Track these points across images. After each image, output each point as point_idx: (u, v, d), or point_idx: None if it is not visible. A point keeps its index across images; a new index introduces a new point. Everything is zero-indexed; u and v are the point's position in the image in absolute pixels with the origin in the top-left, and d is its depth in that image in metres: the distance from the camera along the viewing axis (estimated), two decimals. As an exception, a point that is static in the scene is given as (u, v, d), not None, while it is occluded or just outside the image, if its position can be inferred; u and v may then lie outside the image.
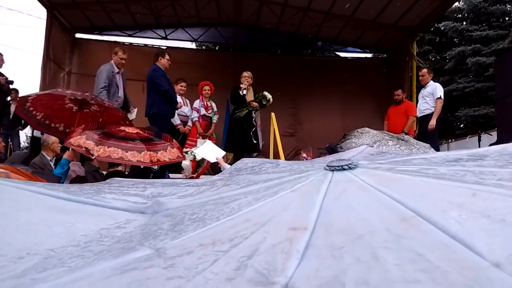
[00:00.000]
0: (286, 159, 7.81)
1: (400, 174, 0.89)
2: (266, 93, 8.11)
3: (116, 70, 6.68)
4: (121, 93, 6.73)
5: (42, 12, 9.87)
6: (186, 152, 6.32)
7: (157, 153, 4.09)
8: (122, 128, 4.41)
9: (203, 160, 5.79)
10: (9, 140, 9.26)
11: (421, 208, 0.73)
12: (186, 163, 6.06)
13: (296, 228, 0.74)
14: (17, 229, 0.95)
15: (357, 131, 3.99)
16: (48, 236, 0.93)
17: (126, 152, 3.94)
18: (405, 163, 1.00)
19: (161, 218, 0.96)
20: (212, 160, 5.64)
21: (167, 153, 4.19)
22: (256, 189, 0.98)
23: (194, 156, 6.11)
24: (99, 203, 1.07)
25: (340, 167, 0.93)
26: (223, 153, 5.94)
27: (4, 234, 0.93)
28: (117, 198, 1.13)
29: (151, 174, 5.13)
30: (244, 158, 1.40)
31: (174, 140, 4.60)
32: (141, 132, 4.37)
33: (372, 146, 3.70)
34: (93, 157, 3.88)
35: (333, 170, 0.94)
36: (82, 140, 3.98)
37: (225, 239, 0.79)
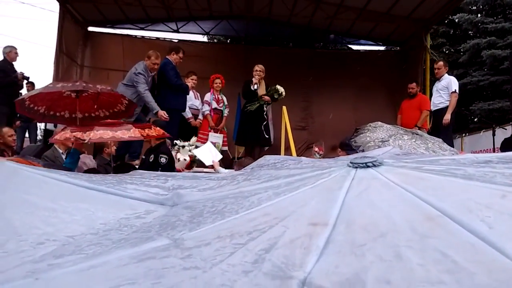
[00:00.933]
0: (297, 153, 7.79)
1: (427, 173, 0.86)
2: (278, 86, 8.06)
3: (149, 73, 6.73)
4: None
5: (55, 5, 9.89)
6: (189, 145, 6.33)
7: (144, 130, 4.27)
8: (106, 121, 4.72)
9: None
10: (27, 132, 9.36)
11: (448, 208, 0.70)
12: (181, 159, 6.09)
13: (317, 223, 0.73)
14: (38, 215, 0.96)
15: (370, 125, 3.95)
16: (68, 223, 0.94)
17: (116, 131, 4.09)
18: (432, 163, 0.97)
19: (181, 210, 0.96)
20: (208, 163, 5.69)
21: (153, 131, 4.47)
22: (277, 184, 0.97)
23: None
24: (120, 193, 1.08)
25: (364, 164, 0.90)
26: (220, 156, 6.03)
27: (25, 220, 0.94)
28: (138, 188, 1.13)
29: (159, 168, 5.18)
30: (266, 155, 1.39)
31: (157, 128, 4.84)
32: (121, 122, 4.68)
33: (388, 140, 3.66)
34: (85, 141, 4.00)
35: (356, 167, 0.91)
36: (68, 133, 4.12)
37: (243, 232, 0.79)
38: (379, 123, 4.03)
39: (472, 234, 0.65)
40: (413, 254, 0.65)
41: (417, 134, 3.99)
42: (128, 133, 4.12)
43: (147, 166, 5.18)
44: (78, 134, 4.08)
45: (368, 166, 0.91)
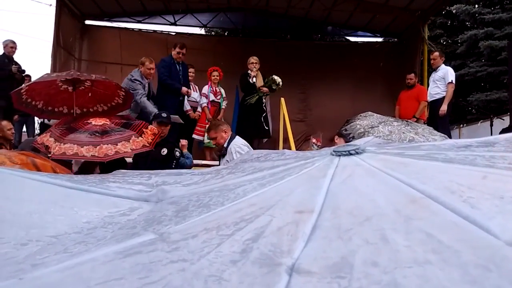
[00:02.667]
0: (295, 144, 7.81)
1: (408, 158, 0.88)
2: (275, 76, 8.07)
3: (145, 80, 6.71)
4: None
5: (51, -2, 9.86)
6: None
7: (116, 145, 4.15)
8: (90, 120, 4.53)
9: None
10: (25, 126, 9.34)
11: (430, 190, 0.72)
12: None
13: (302, 211, 0.74)
14: (20, 216, 0.95)
15: (361, 115, 3.99)
16: (51, 223, 0.92)
17: (82, 147, 4.06)
18: (413, 149, 1.00)
19: (166, 205, 0.95)
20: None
21: (130, 143, 4.26)
22: (261, 175, 0.98)
23: None
24: (103, 191, 1.07)
25: (347, 152, 0.92)
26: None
27: (6, 222, 0.93)
28: (121, 186, 1.12)
29: (174, 162, 5.12)
30: (250, 151, 1.41)
31: (149, 126, 4.64)
32: (108, 123, 4.47)
33: (377, 126, 3.69)
34: (49, 155, 3.95)
35: (339, 155, 0.92)
36: (46, 138, 4.15)
37: (230, 223, 0.79)
38: (369, 112, 4.08)
39: (456, 214, 0.66)
40: (398, 236, 0.66)
41: (407, 121, 4.03)
42: (93, 150, 4.00)
43: (158, 159, 5.05)
44: (51, 142, 4.08)
45: (351, 154, 0.92)
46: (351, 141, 3.93)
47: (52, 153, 4.01)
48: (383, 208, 0.70)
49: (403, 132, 3.58)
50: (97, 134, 4.28)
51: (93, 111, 5.23)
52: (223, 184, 1.00)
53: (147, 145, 4.39)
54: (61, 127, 4.45)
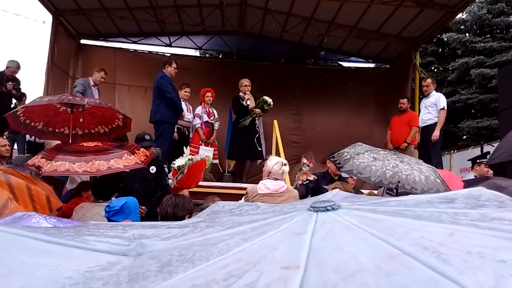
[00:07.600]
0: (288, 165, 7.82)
1: (381, 214, 0.93)
2: (266, 97, 8.16)
3: (91, 84, 7.55)
4: None
5: (48, 17, 9.92)
6: None
7: (109, 161, 4.14)
8: (83, 143, 4.57)
9: (183, 166, 5.73)
10: (15, 143, 9.29)
11: (405, 247, 0.77)
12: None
13: (288, 267, 0.75)
14: None
15: (351, 145, 4.12)
16: (31, 279, 0.89)
17: (73, 163, 4.05)
18: (383, 205, 1.04)
19: (146, 260, 0.92)
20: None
21: (122, 160, 4.24)
22: (242, 230, 0.97)
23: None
24: (81, 245, 1.03)
25: (324, 208, 0.96)
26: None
27: None
28: (99, 240, 1.08)
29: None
30: (220, 201, 1.41)
31: (141, 149, 4.64)
32: (99, 145, 4.50)
33: (363, 153, 3.77)
34: (40, 173, 3.95)
35: (317, 211, 0.96)
36: (37, 159, 4.17)
37: (219, 279, 0.78)
38: (359, 143, 4.20)
39: (431, 270, 0.71)
40: (382, 290, 0.69)
41: (394, 152, 4.16)
42: (85, 166, 3.97)
43: (148, 177, 5.12)
44: (42, 162, 4.08)
45: (328, 210, 0.96)
46: (338, 167, 4.07)
47: (43, 170, 3.97)
48: (364, 264, 0.74)
49: (388, 159, 3.65)
50: (89, 153, 4.27)
51: (95, 132, 5.18)
52: (203, 238, 0.98)
53: (140, 162, 4.36)
54: (53, 149, 4.44)
